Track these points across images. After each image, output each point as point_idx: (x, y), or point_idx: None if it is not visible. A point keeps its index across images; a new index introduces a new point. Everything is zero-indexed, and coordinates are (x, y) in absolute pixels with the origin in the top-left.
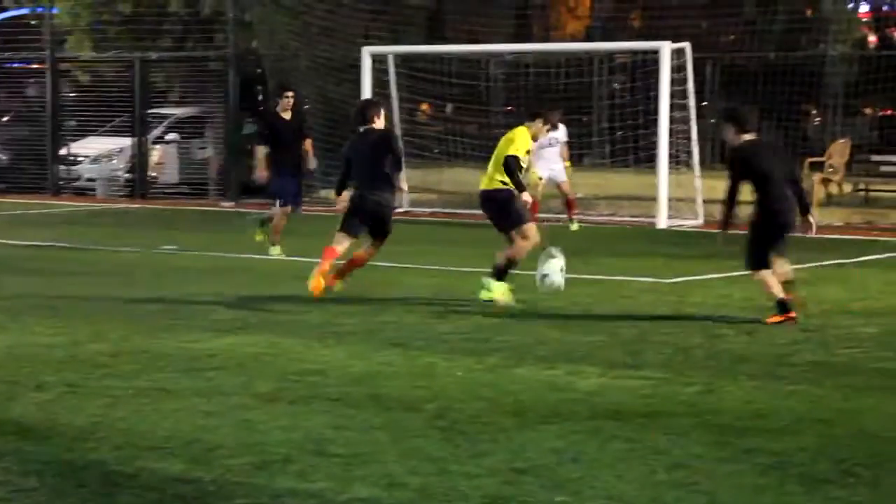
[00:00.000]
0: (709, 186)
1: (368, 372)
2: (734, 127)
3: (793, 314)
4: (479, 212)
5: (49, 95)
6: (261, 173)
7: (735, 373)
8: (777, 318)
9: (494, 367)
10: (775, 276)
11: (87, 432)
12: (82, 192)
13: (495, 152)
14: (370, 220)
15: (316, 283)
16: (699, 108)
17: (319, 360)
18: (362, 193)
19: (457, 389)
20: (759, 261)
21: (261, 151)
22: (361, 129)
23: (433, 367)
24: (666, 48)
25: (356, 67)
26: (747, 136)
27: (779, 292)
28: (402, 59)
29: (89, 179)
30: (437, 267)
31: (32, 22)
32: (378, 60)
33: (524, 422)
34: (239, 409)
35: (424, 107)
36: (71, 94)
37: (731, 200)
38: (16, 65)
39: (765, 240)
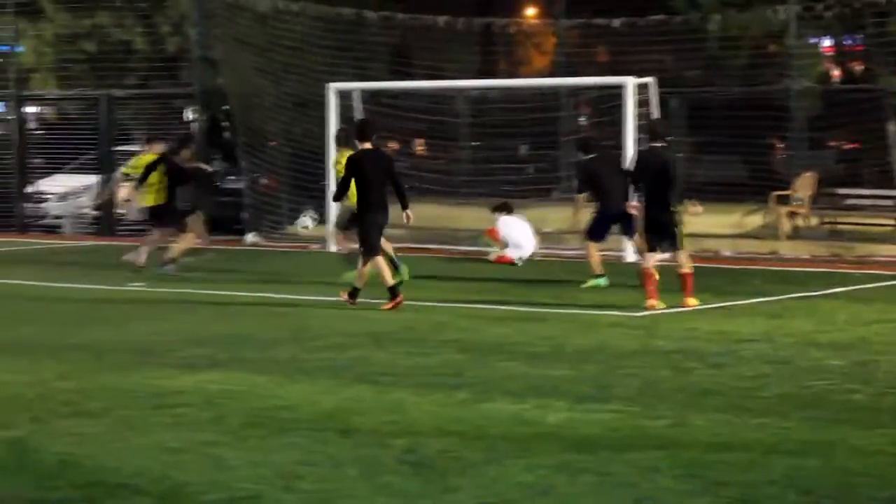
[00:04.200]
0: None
1: (338, 407)
2: (356, 137)
3: (400, 298)
4: (449, 246)
5: (15, 133)
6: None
7: (703, 406)
8: (389, 305)
9: (464, 402)
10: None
11: (56, 470)
12: (50, 230)
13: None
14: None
15: (654, 301)
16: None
17: (289, 395)
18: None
19: (426, 424)
20: (371, 249)
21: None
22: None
23: (403, 403)
24: (630, 83)
25: (322, 103)
26: (366, 146)
27: (389, 280)
28: (369, 95)
29: (57, 217)
30: (405, 302)
31: None
32: (344, 96)
33: (493, 456)
34: (208, 446)
35: (392, 144)
36: (37, 132)
37: (340, 194)
38: None
39: (371, 234)
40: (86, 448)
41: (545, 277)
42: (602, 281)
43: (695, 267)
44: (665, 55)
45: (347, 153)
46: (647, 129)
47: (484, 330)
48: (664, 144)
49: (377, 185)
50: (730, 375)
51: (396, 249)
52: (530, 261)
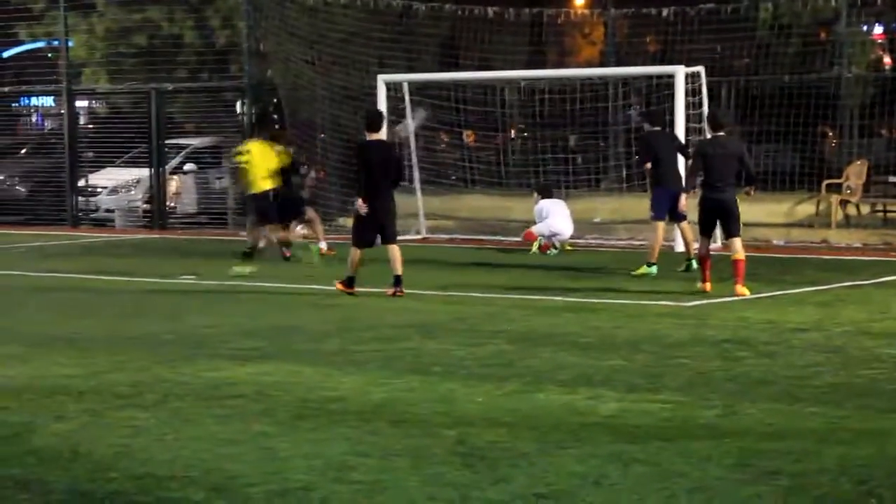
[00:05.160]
0: None
1: (388, 398)
2: (365, 128)
3: (354, 290)
4: (498, 237)
5: (66, 127)
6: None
7: (754, 395)
8: (341, 287)
9: (514, 393)
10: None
11: (109, 462)
12: (101, 224)
13: None
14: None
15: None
16: None
17: (339, 387)
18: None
19: (477, 415)
20: (357, 241)
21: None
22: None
23: (453, 393)
24: (681, 72)
25: (371, 95)
26: (374, 136)
27: (353, 270)
28: (417, 87)
29: (108, 210)
30: (455, 293)
31: (49, 55)
32: (393, 88)
33: (545, 447)
34: (259, 437)
35: (442, 135)
36: (88, 126)
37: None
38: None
39: (362, 227)
40: (139, 440)
41: (594, 267)
42: (653, 270)
43: (746, 256)
44: (715, 44)
45: (258, 144)
46: (709, 118)
47: (534, 320)
48: (725, 133)
49: (380, 175)
50: (781, 365)
51: (446, 240)
52: (570, 247)
